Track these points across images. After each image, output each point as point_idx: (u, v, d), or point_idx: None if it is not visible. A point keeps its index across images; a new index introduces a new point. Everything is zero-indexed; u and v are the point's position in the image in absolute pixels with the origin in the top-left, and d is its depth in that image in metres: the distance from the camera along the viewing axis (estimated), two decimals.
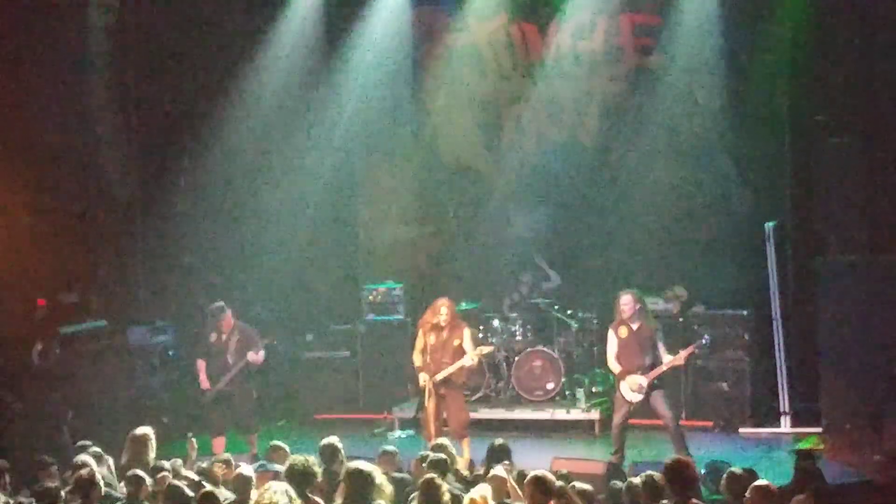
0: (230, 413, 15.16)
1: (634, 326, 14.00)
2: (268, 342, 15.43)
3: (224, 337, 15.22)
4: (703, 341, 14.76)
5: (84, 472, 10.59)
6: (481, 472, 11.11)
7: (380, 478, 9.66)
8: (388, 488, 9.80)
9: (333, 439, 11.44)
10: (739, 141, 17.57)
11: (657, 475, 9.66)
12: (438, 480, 9.61)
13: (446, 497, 9.59)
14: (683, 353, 14.08)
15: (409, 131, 19.33)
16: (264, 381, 18.15)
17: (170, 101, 18.21)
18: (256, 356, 15.11)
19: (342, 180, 19.42)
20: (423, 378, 14.26)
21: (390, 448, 12.40)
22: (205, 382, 15.19)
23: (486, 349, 14.85)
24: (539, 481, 9.55)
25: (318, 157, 18.85)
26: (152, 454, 12.02)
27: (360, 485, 9.44)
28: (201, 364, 15.24)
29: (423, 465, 10.71)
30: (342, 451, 11.41)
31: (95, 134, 17.51)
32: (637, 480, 9.91)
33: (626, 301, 14.07)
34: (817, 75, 16.32)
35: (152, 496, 10.69)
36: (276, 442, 12.37)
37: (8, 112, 16.20)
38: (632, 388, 13.93)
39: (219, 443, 14.95)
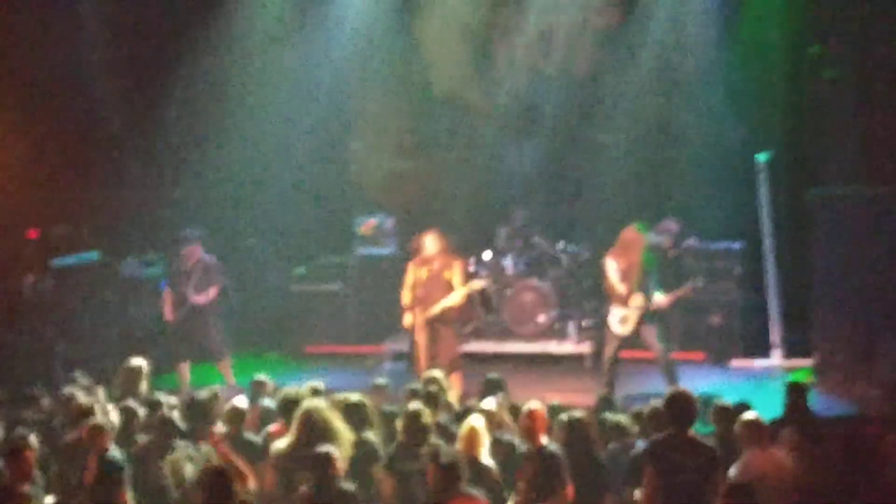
0: (188, 344, 15.27)
1: (631, 260, 13.98)
2: (224, 286, 15.44)
3: (187, 268, 15.27)
4: (698, 285, 14.76)
5: (82, 401, 10.63)
6: (474, 404, 11.13)
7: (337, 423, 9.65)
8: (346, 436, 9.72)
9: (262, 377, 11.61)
10: (732, 73, 17.48)
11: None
12: (422, 410, 9.63)
13: (430, 427, 9.63)
14: (670, 296, 14.07)
15: (400, 62, 19.16)
16: (254, 312, 18.24)
17: (161, 32, 18.04)
18: (199, 297, 15.14)
19: (333, 112, 19.27)
20: (408, 317, 14.22)
21: (381, 381, 12.45)
22: (168, 313, 15.29)
23: (476, 284, 14.82)
24: (533, 415, 9.62)
25: (309, 89, 18.72)
26: (145, 385, 12.07)
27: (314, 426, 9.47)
28: (167, 293, 15.32)
29: (414, 397, 10.73)
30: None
31: (86, 65, 17.38)
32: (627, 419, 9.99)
33: (633, 237, 14.03)
34: (811, 5, 16.20)
35: (145, 427, 10.73)
36: (259, 376, 12.37)
37: None
38: (622, 321, 13.94)
39: (182, 370, 15.22)
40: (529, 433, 9.68)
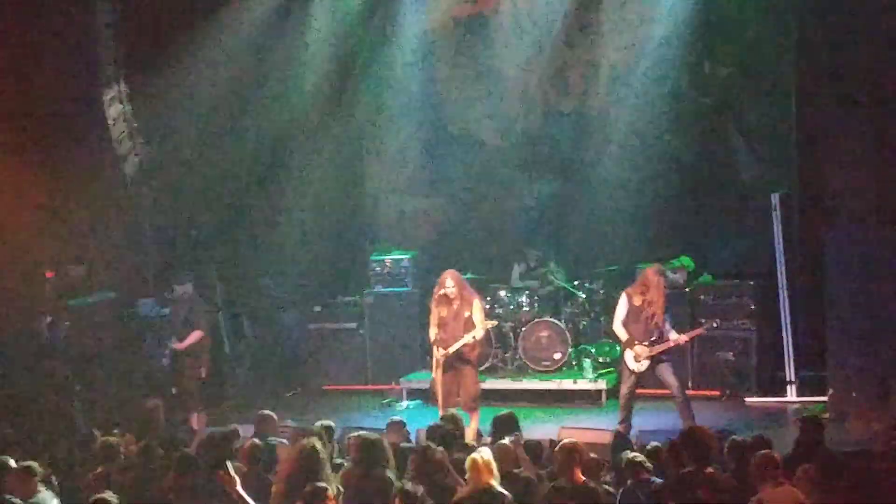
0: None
1: (649, 297, 14.05)
2: (202, 331, 15.43)
3: (175, 310, 15.39)
4: (713, 325, 14.88)
5: (109, 439, 10.72)
6: (489, 442, 11.17)
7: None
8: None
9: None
10: (746, 110, 17.59)
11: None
12: (434, 447, 9.65)
13: (442, 462, 9.65)
14: (685, 336, 14.17)
15: (415, 99, 19.30)
16: (271, 351, 18.29)
17: (180, 68, 18.11)
18: (180, 343, 15.22)
19: (348, 150, 19.41)
20: (437, 353, 14.26)
21: (398, 418, 12.48)
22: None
23: (493, 323, 14.92)
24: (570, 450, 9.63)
25: (325, 127, 18.83)
26: (162, 425, 12.14)
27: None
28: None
29: (434, 435, 10.77)
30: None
31: (103, 103, 17.48)
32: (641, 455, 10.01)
33: (652, 275, 14.10)
34: (825, 42, 16.26)
35: (163, 465, 10.80)
36: (264, 411, 12.36)
37: (15, 83, 16.21)
38: (636, 358, 14.00)
39: (192, 421, 14.98)
40: (565, 468, 9.66)
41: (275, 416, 12.21)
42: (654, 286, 14.05)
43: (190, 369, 15.23)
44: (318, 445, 9.25)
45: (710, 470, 8.96)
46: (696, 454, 8.93)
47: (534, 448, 10.90)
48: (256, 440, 10.82)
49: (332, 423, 11.50)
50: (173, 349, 15.33)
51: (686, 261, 17.20)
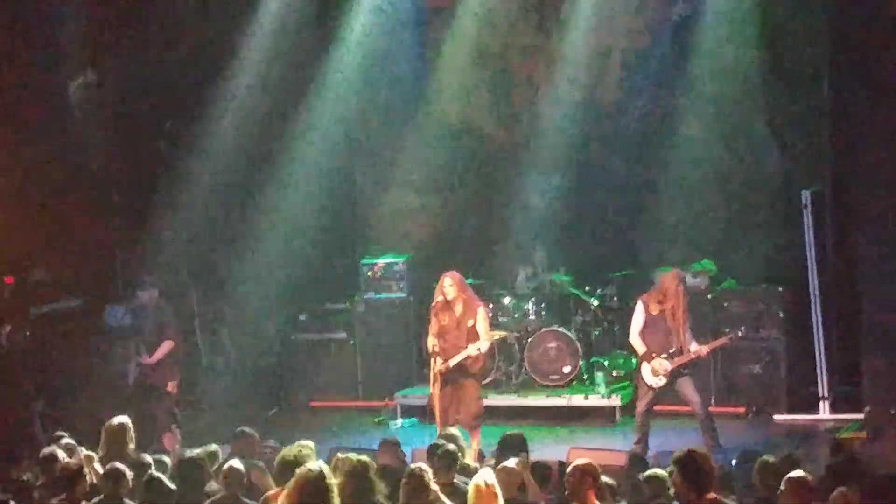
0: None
1: (667, 305, 14.02)
2: (173, 341, 15.39)
3: (140, 320, 15.36)
4: (738, 335, 14.82)
5: (70, 463, 10.68)
6: (492, 464, 11.15)
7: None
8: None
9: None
10: (775, 101, 17.54)
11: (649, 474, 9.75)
12: (423, 470, 9.60)
13: (433, 488, 9.62)
14: (707, 347, 14.14)
15: (411, 89, 19.26)
16: (252, 364, 18.27)
17: (146, 65, 18.12)
18: (149, 358, 15.18)
19: (338, 143, 19.37)
20: (434, 365, 14.21)
21: (391, 438, 12.45)
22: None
23: (500, 335, 14.89)
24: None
25: (312, 118, 18.78)
26: (132, 446, 12.07)
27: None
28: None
29: (432, 456, 10.74)
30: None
31: (69, 103, 17.47)
32: (664, 472, 9.95)
33: (671, 282, 14.06)
34: (859, 26, 16.21)
35: (134, 491, 10.76)
36: (244, 429, 12.30)
37: None
38: (654, 372, 13.97)
39: (166, 441, 14.95)
40: (577, 491, 9.64)
41: (256, 435, 12.17)
42: (672, 292, 14.02)
43: (161, 384, 15.19)
44: (326, 470, 9.23)
45: (712, 496, 8.93)
46: (694, 480, 8.89)
47: (541, 471, 10.86)
48: (236, 462, 10.76)
49: (310, 444, 11.45)
50: (140, 363, 15.30)
51: (708, 264, 17.18)
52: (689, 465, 8.98)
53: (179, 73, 17.94)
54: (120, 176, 17.95)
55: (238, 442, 12.01)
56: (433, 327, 14.21)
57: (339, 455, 10.60)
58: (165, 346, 15.18)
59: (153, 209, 18.14)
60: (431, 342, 14.20)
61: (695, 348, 14.00)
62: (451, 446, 10.91)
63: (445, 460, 10.45)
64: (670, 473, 10.43)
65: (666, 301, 14.00)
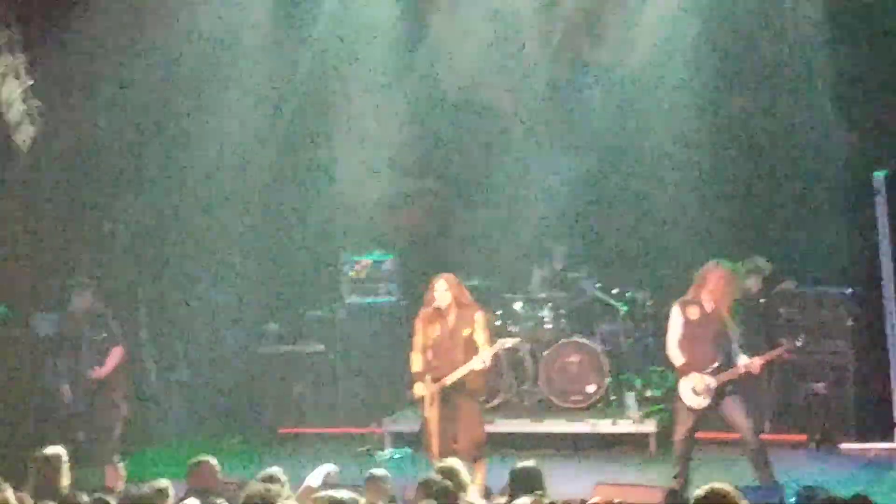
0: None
1: (709, 308, 13.93)
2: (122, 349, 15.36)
3: (77, 330, 15.29)
4: (797, 344, 14.69)
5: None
6: (501, 503, 11.09)
7: None
8: None
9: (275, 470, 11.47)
10: (838, 63, 17.48)
11: None
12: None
13: None
14: (759, 360, 14.03)
15: (400, 55, 19.21)
16: (211, 382, 18.23)
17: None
18: (99, 370, 15.11)
19: (313, 120, 19.33)
20: (419, 388, 14.17)
21: (379, 472, 12.37)
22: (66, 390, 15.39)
23: (508, 342, 14.80)
24: None
25: (281, 88, 18.75)
26: (66, 481, 12.01)
27: None
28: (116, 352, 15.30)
29: (426, 493, 10.69)
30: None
31: None
32: None
33: (711, 274, 13.98)
34: None
35: None
36: (201, 456, 12.24)
37: None
38: (696, 391, 13.89)
39: (110, 471, 14.93)
40: None
41: (216, 465, 12.11)
42: (719, 292, 13.92)
43: (104, 405, 15.13)
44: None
45: None
46: None
47: None
48: (192, 501, 10.71)
49: (280, 475, 11.40)
50: (86, 378, 15.22)
51: (760, 263, 17.14)
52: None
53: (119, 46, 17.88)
54: (48, 154, 17.82)
55: (195, 474, 11.94)
56: (418, 340, 14.16)
57: (318, 494, 10.57)
58: (115, 356, 15.12)
59: (90, 199, 18.07)
60: (417, 360, 14.16)
61: (744, 362, 13.89)
62: (448, 483, 10.86)
63: (442, 498, 10.40)
64: None
65: (709, 303, 13.90)
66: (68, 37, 17.22)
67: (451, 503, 10.54)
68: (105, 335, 15.27)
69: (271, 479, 11.06)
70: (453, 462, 11.83)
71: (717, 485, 9.13)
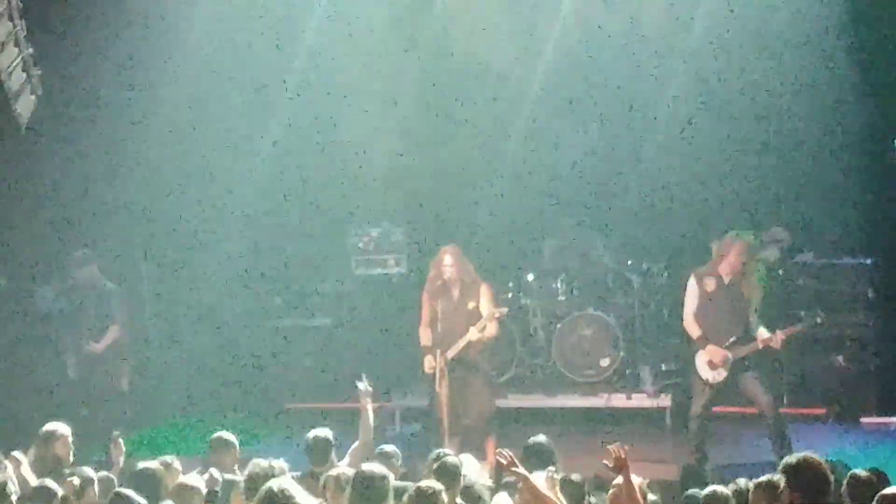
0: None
1: (727, 280, 13.90)
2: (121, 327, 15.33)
3: (79, 303, 15.29)
4: (818, 320, 14.63)
5: None
6: (512, 481, 11.07)
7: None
8: None
9: (325, 432, 11.51)
10: (861, 35, 17.42)
11: (764, 481, 9.58)
12: (434, 490, 9.55)
13: None
14: (780, 335, 13.99)
15: (407, 24, 19.15)
16: (215, 357, 18.22)
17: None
18: (96, 344, 15.08)
19: (317, 86, 19.26)
20: (429, 362, 14.20)
21: (388, 448, 12.37)
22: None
23: (498, 311, 14.70)
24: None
25: (286, 56, 18.68)
26: (69, 458, 12.03)
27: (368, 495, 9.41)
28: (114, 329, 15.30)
29: (433, 469, 10.68)
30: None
31: None
32: (726, 490, 9.85)
33: (730, 246, 13.94)
34: None
35: None
36: (221, 434, 12.26)
37: None
38: (712, 364, 13.89)
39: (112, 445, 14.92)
40: None
41: (235, 443, 12.14)
42: (736, 263, 13.90)
43: (106, 380, 15.14)
44: (296, 489, 9.21)
45: None
46: (808, 494, 8.78)
47: (574, 488, 10.78)
48: (189, 480, 10.69)
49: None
50: (86, 353, 15.25)
51: (779, 233, 17.11)
52: (804, 476, 8.88)
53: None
54: (48, 123, 17.81)
55: (216, 450, 11.99)
56: (426, 313, 14.21)
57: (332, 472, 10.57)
58: (112, 332, 15.14)
59: (91, 169, 18.04)
60: (426, 335, 14.19)
61: (764, 335, 13.87)
62: (456, 460, 10.86)
63: (446, 476, 10.38)
64: (736, 491, 10.35)
65: (727, 275, 13.88)
66: (69, 11, 17.20)
67: (454, 480, 10.53)
68: (106, 311, 15.28)
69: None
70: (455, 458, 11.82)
71: (810, 455, 9.12)
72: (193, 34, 17.96)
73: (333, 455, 11.53)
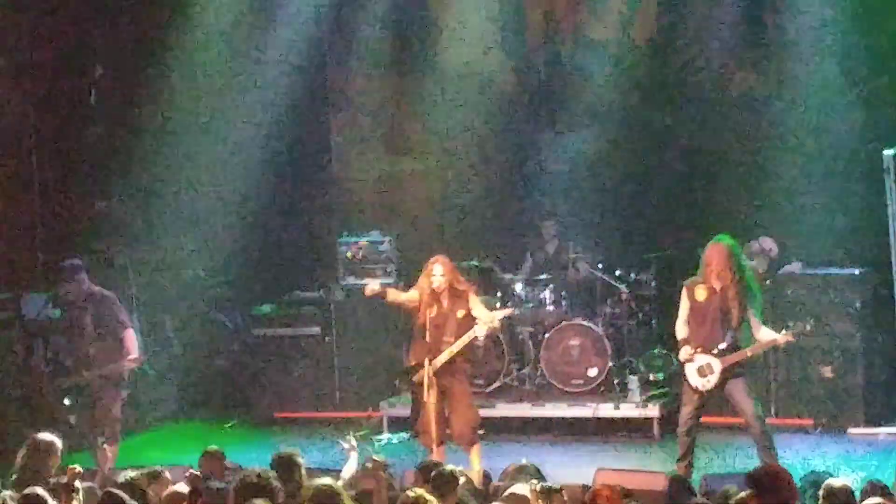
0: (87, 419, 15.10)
1: (717, 288, 13.94)
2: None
3: (72, 312, 15.27)
4: (806, 330, 14.67)
5: None
6: (500, 487, 11.13)
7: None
8: None
9: (292, 451, 11.51)
10: (852, 43, 17.50)
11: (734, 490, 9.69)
12: (425, 499, 9.61)
13: None
14: (765, 341, 14.02)
15: (395, 26, 19.22)
16: (203, 365, 18.26)
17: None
18: (120, 364, 14.97)
19: (308, 94, 19.33)
20: (419, 374, 14.24)
21: (377, 457, 12.43)
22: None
23: (499, 313, 14.75)
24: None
25: (276, 63, 18.75)
26: (54, 469, 12.05)
27: None
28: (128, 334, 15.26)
29: (425, 478, 10.73)
30: (302, 466, 11.47)
31: None
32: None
33: (713, 254, 13.97)
34: None
35: None
36: (211, 447, 12.31)
37: None
38: (700, 372, 13.91)
39: (101, 454, 14.86)
40: None
41: (222, 453, 12.18)
42: (720, 268, 13.88)
43: (107, 392, 15.06)
44: (338, 486, 9.30)
45: None
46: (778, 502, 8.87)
47: (561, 498, 10.85)
48: (179, 488, 10.76)
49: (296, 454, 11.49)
50: (94, 363, 15.15)
51: (767, 243, 17.16)
52: (766, 484, 8.96)
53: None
54: (38, 132, 17.89)
55: (205, 461, 12.04)
56: (416, 322, 14.24)
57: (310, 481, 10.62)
58: (129, 337, 14.96)
59: (87, 174, 18.12)
60: (416, 345, 14.28)
61: (768, 337, 13.86)
62: (449, 467, 10.91)
63: (441, 484, 10.44)
64: (721, 499, 10.44)
65: (716, 282, 13.89)
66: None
67: (451, 488, 10.59)
68: (109, 317, 15.20)
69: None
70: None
71: (775, 464, 9.21)
72: (184, 47, 18.08)
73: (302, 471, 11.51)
